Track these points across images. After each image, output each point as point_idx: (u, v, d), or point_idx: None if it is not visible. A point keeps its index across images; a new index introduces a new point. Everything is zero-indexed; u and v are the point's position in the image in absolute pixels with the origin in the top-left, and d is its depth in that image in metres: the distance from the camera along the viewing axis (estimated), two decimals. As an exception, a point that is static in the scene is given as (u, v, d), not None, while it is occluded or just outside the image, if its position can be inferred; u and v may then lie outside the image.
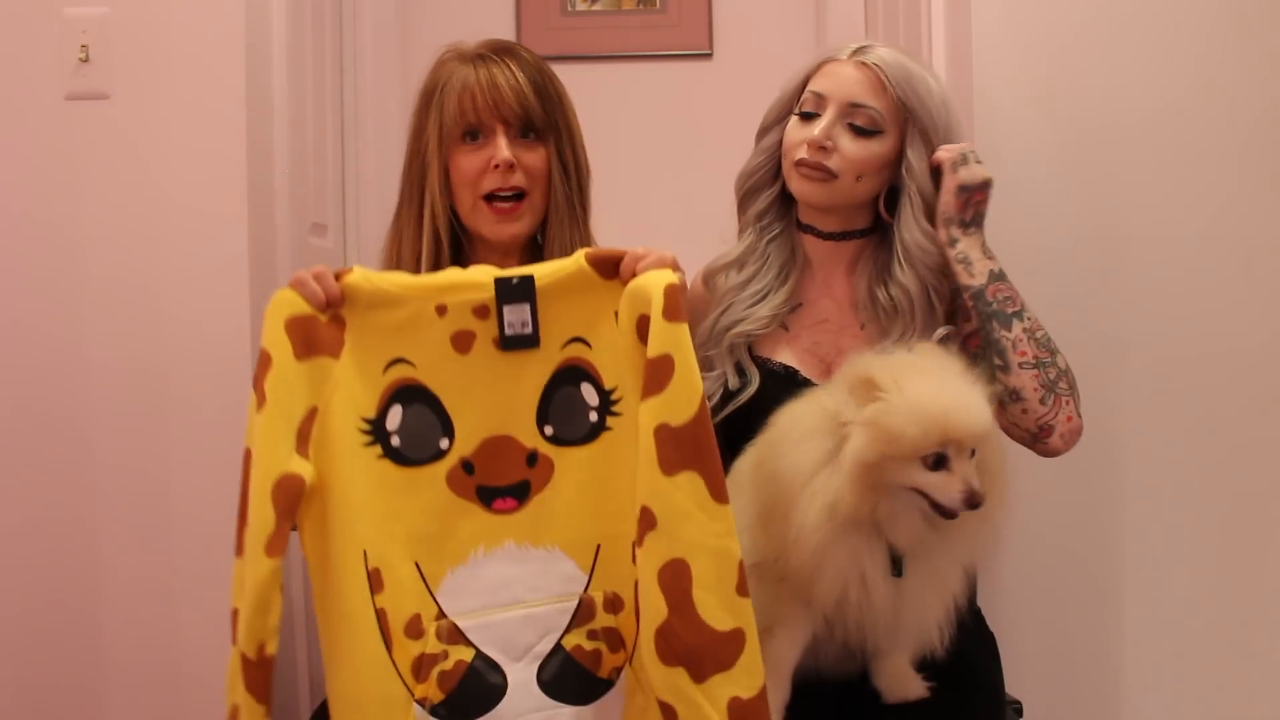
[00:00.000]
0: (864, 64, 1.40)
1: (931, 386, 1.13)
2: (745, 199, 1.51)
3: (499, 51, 1.38)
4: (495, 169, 1.35)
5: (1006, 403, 1.33)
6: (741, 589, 1.09)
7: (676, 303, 1.10)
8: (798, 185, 1.43)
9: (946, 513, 1.13)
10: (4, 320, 1.64)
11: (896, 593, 1.18)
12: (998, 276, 1.35)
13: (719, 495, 1.09)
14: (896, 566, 1.17)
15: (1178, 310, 1.69)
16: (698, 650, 1.07)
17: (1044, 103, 1.71)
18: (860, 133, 1.39)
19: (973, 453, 1.14)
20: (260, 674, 1.08)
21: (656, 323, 1.09)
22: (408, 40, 2.32)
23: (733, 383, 1.43)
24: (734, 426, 1.35)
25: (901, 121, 1.40)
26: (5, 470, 1.63)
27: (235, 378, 1.62)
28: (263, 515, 1.07)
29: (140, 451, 1.64)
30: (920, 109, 1.39)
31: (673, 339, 1.09)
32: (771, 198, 1.49)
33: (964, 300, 1.37)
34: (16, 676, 1.64)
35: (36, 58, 1.63)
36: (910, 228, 1.39)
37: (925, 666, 1.29)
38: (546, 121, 1.38)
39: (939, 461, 1.12)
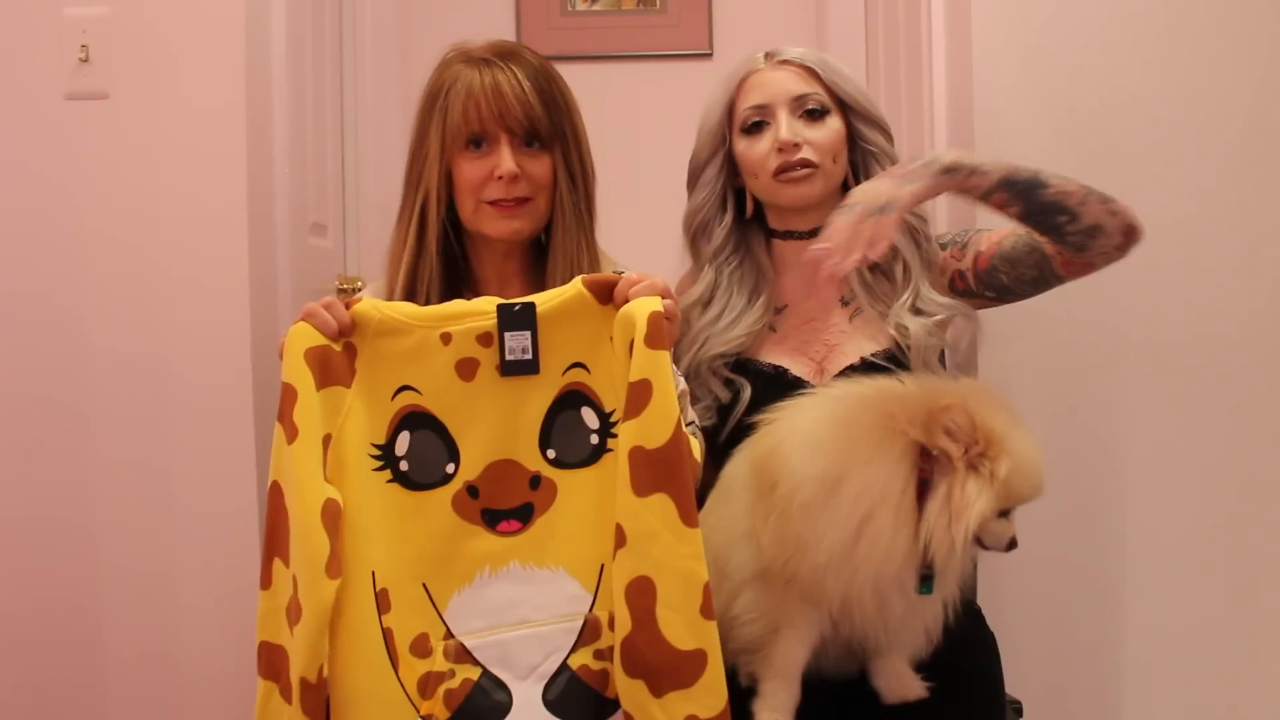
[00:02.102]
0: (784, 63, 1.46)
1: (1028, 442, 1.17)
2: (696, 238, 1.52)
3: (504, 55, 1.37)
4: (498, 179, 1.35)
5: (1088, 245, 1.31)
6: (706, 611, 1.11)
7: (659, 330, 1.13)
8: (790, 193, 1.44)
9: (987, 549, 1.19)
10: (5, 320, 1.64)
11: (911, 603, 1.20)
12: (1008, 164, 1.32)
13: (688, 519, 1.11)
14: (926, 584, 1.18)
15: (1177, 308, 1.69)
16: (657, 666, 1.09)
17: (1044, 103, 1.71)
18: (814, 116, 1.44)
19: None
20: (319, 695, 1.10)
21: (639, 348, 1.12)
22: (408, 40, 2.32)
23: (723, 396, 1.43)
24: (733, 437, 1.35)
25: (836, 102, 1.45)
26: (6, 469, 1.64)
27: (235, 377, 1.63)
28: (316, 541, 1.10)
29: (140, 450, 1.64)
30: (845, 84, 1.46)
31: (653, 365, 1.12)
32: (726, 229, 1.50)
33: (996, 201, 1.32)
34: (16, 672, 1.64)
35: (36, 58, 1.63)
36: None
37: (925, 666, 1.29)
38: (552, 130, 1.37)
39: (1004, 511, 1.17)
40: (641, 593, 1.10)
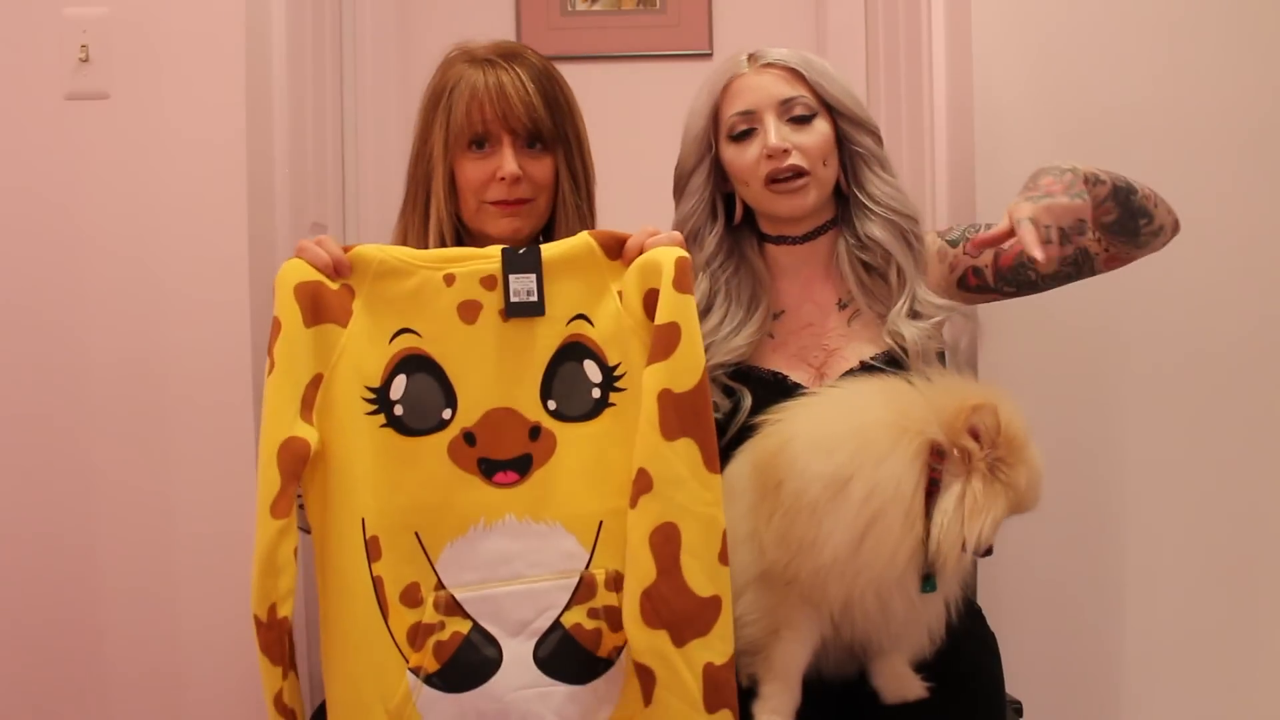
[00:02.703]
0: (768, 66, 1.44)
1: (1039, 456, 1.18)
2: (687, 247, 1.48)
3: (508, 56, 1.38)
4: (501, 181, 1.36)
5: (1149, 244, 1.38)
6: (723, 557, 1.12)
7: (686, 275, 1.14)
8: (785, 204, 1.43)
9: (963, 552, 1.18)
10: (4, 320, 1.63)
11: (914, 605, 1.20)
12: (1109, 172, 1.32)
13: (711, 465, 1.12)
14: (929, 582, 1.18)
15: (1178, 309, 1.69)
16: (682, 614, 1.10)
17: (1044, 102, 1.71)
18: (802, 121, 1.42)
19: None
20: (273, 635, 1.08)
21: (666, 292, 1.13)
22: (408, 40, 2.32)
23: (723, 405, 1.41)
24: (733, 443, 1.34)
25: (823, 104, 1.43)
26: (4, 470, 1.63)
27: (235, 377, 1.62)
28: (268, 477, 1.09)
29: (140, 451, 1.63)
30: (830, 86, 1.43)
31: (682, 309, 1.13)
32: (718, 236, 1.48)
33: (1101, 209, 1.31)
34: (16, 676, 1.63)
35: (36, 58, 1.63)
36: (872, 182, 1.44)
37: (926, 666, 1.29)
38: (555, 132, 1.38)
39: None
40: (668, 539, 1.10)
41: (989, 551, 1.18)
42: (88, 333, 1.63)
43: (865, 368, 1.39)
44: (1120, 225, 1.33)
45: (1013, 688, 1.44)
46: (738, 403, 1.41)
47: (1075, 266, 1.38)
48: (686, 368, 1.11)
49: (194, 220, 1.63)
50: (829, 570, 1.15)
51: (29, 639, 1.64)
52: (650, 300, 1.15)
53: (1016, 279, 1.42)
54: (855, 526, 1.13)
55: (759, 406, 1.36)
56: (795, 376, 1.43)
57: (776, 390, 1.40)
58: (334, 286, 1.14)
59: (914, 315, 1.40)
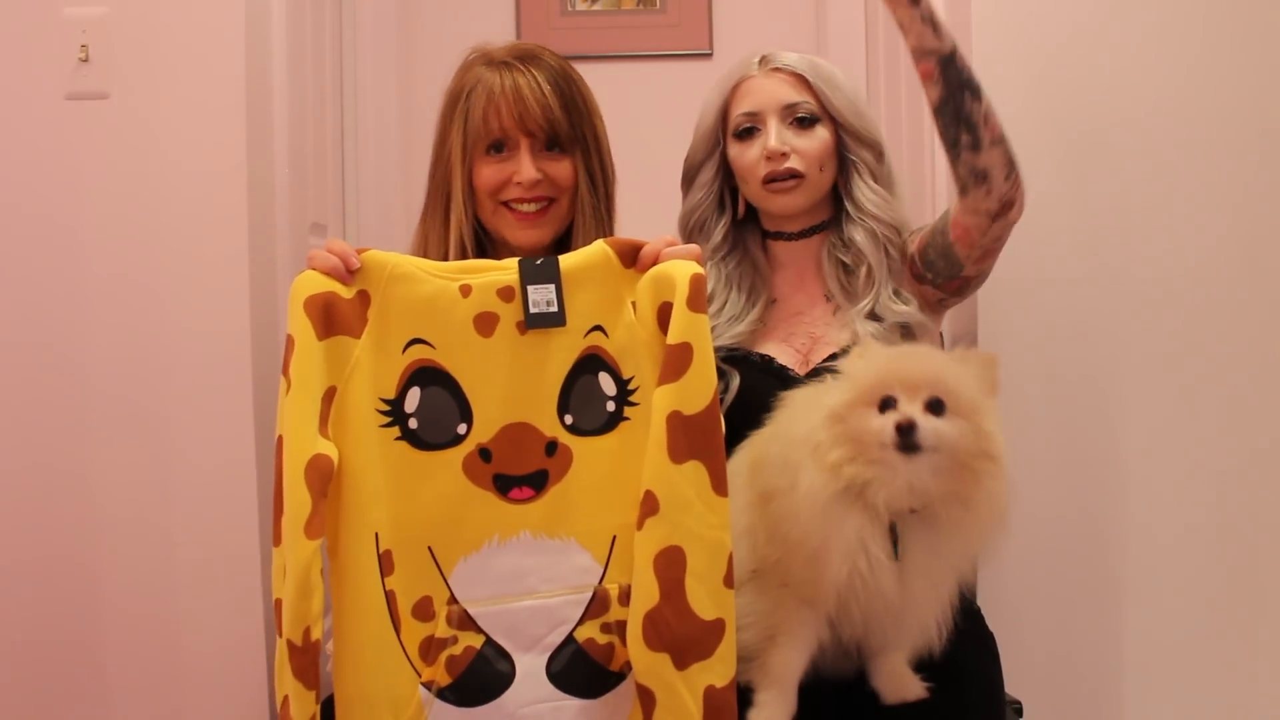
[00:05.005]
0: (776, 70, 1.49)
1: (893, 349, 1.20)
2: (693, 237, 1.55)
3: (524, 58, 1.38)
4: (518, 185, 1.36)
5: (970, 187, 1.37)
6: (728, 580, 1.11)
7: (700, 293, 1.12)
8: (777, 202, 1.49)
9: (899, 449, 1.12)
10: (4, 320, 1.64)
11: (899, 578, 1.18)
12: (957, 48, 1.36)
13: (720, 488, 1.11)
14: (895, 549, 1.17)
15: (1179, 308, 1.69)
16: (684, 638, 1.09)
17: (1044, 102, 1.71)
18: (803, 124, 1.47)
19: (942, 407, 1.13)
20: (307, 659, 1.06)
21: (679, 310, 1.11)
22: (408, 40, 2.32)
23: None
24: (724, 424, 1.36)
25: (825, 110, 1.47)
26: (6, 469, 1.63)
27: (235, 377, 1.63)
28: (299, 498, 1.06)
29: (140, 451, 1.64)
30: (834, 96, 1.47)
31: (694, 328, 1.11)
32: (725, 228, 1.54)
33: (925, 67, 1.35)
34: (15, 676, 1.64)
35: (36, 58, 1.63)
36: (862, 190, 1.48)
37: (925, 667, 1.29)
38: (572, 134, 1.38)
39: (888, 405, 1.13)
40: (672, 563, 1.08)
41: (906, 429, 1.10)
42: (88, 332, 1.64)
43: (846, 354, 1.41)
44: (943, 115, 1.35)
45: (1013, 688, 1.44)
46: (727, 384, 1.44)
47: (944, 236, 1.41)
48: (697, 390, 1.10)
49: (194, 220, 1.63)
50: (808, 557, 1.16)
51: (28, 639, 1.64)
52: (664, 313, 1.13)
53: (926, 260, 1.45)
54: (794, 491, 1.15)
55: (747, 387, 1.42)
56: (782, 360, 1.48)
57: (764, 372, 1.46)
58: (348, 295, 1.12)
59: (874, 317, 1.45)
